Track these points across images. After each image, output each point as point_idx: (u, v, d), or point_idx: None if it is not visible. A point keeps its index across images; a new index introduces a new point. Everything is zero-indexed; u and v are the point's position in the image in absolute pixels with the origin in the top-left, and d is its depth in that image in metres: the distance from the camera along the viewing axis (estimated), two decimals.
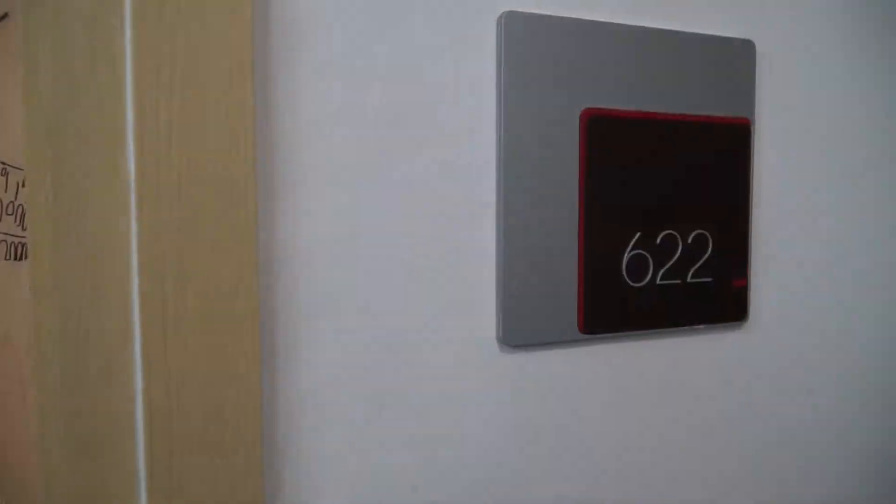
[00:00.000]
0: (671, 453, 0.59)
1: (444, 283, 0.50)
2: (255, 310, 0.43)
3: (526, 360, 0.53)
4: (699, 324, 0.59)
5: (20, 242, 0.74)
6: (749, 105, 0.60)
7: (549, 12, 0.51)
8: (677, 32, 0.56)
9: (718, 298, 0.59)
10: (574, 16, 0.52)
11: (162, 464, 0.42)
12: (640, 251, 0.56)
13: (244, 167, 0.43)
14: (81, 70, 0.40)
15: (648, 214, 0.56)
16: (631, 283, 0.55)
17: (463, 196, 0.50)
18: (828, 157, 0.63)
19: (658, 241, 0.56)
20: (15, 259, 0.77)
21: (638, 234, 0.55)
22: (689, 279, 0.58)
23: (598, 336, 0.55)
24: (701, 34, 0.57)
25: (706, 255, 0.58)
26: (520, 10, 0.50)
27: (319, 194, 0.46)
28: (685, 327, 0.58)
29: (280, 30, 0.44)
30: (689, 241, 0.57)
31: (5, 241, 0.78)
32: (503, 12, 0.50)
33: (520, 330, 0.52)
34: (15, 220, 0.76)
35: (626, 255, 0.55)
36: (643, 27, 0.54)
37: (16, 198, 0.77)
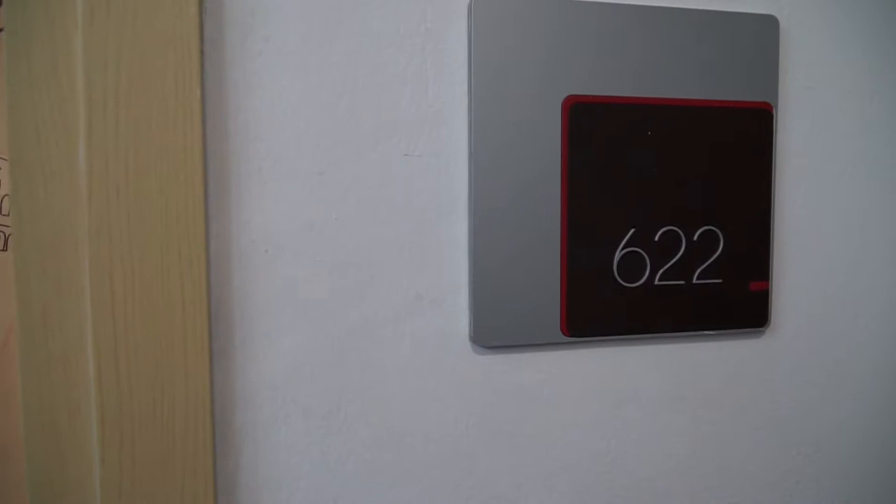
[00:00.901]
0: (669, 469, 0.54)
1: (413, 278, 0.48)
2: (203, 300, 0.44)
3: (501, 362, 0.50)
4: (708, 329, 0.54)
5: None
6: (771, 88, 0.54)
7: None
8: (685, 10, 0.51)
9: (732, 302, 0.54)
10: None
11: (113, 449, 0.43)
12: (634, 249, 0.51)
13: (191, 160, 0.43)
14: (41, 69, 0.42)
15: (644, 210, 0.51)
16: (624, 284, 0.51)
17: (432, 187, 0.48)
18: (860, 145, 0.56)
19: (657, 238, 0.52)
20: None
21: (632, 231, 0.51)
22: (694, 280, 0.53)
23: (584, 340, 0.51)
24: (715, 10, 0.52)
25: (715, 255, 0.53)
26: None
27: (279, 186, 0.46)
28: (690, 333, 0.53)
29: (235, 20, 0.44)
30: (695, 238, 0.52)
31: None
32: None
33: (493, 330, 0.49)
34: None
35: (617, 252, 0.51)
36: (641, 5, 0.50)
37: None
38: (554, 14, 0.49)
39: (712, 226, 0.53)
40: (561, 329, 0.50)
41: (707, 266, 0.53)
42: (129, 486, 0.43)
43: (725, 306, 0.54)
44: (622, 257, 0.51)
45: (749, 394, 0.55)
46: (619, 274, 0.51)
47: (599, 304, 0.51)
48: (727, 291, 0.54)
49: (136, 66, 0.42)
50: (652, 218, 0.51)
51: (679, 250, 0.52)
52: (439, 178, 0.48)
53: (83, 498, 0.44)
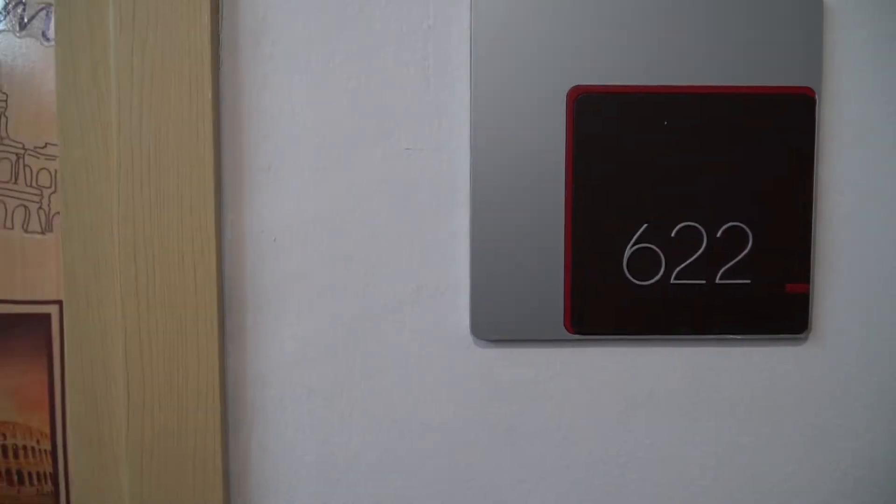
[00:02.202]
0: (687, 477, 0.51)
1: (414, 269, 0.49)
2: (213, 285, 0.48)
3: (501, 356, 0.50)
4: (733, 333, 0.50)
5: None
6: (814, 72, 0.49)
7: None
8: None
9: (763, 305, 0.50)
10: None
11: (137, 415, 0.48)
12: (647, 245, 0.49)
13: (204, 157, 0.47)
14: (83, 75, 0.48)
15: (659, 205, 0.49)
16: (635, 281, 0.49)
17: (434, 179, 0.49)
18: None
19: (673, 234, 0.49)
20: None
21: (645, 226, 0.49)
22: (717, 280, 0.49)
23: (590, 337, 0.50)
24: None
25: (743, 253, 0.49)
26: None
27: (287, 180, 0.49)
28: (712, 336, 0.50)
29: (248, 26, 0.48)
30: (719, 235, 0.49)
31: None
32: None
33: (494, 323, 0.49)
34: None
35: (628, 248, 0.49)
36: None
37: None
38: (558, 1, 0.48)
39: (739, 222, 0.49)
40: (565, 325, 0.49)
41: (733, 265, 0.49)
42: (150, 449, 0.48)
43: (756, 309, 0.50)
44: (633, 253, 0.49)
45: (783, 405, 0.51)
46: (629, 271, 0.49)
47: (607, 302, 0.49)
48: (758, 293, 0.50)
49: (157, 71, 0.46)
50: (668, 213, 0.49)
51: (699, 248, 0.49)
52: (441, 171, 0.49)
53: (114, 456, 0.50)
